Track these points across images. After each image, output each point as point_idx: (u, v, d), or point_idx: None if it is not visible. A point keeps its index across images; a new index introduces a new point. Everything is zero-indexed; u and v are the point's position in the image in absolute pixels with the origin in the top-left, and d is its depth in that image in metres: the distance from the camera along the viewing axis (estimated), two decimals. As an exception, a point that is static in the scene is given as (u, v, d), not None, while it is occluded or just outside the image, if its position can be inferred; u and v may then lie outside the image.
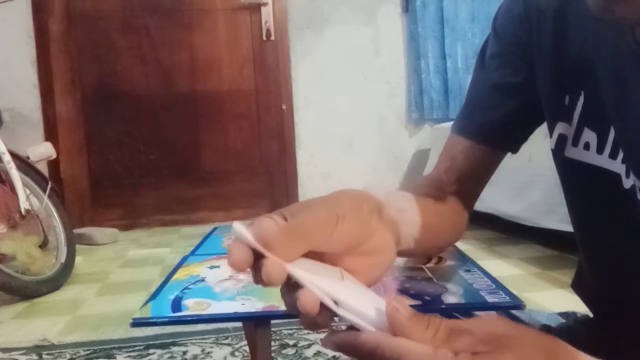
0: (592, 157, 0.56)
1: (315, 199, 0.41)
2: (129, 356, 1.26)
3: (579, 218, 0.65)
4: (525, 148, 0.69)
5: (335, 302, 0.35)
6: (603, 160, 0.55)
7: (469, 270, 0.64)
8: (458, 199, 0.66)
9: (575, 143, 0.58)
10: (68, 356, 1.28)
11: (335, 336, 0.35)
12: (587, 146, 0.56)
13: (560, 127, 0.60)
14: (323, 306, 0.35)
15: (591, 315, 0.69)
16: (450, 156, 0.68)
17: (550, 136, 0.62)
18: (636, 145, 0.50)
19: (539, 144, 1.12)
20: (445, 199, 0.65)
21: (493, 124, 0.65)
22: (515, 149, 0.68)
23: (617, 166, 0.53)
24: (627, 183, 0.52)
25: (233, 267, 0.34)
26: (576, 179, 0.61)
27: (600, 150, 0.55)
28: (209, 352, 1.26)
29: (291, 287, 0.36)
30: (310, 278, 0.35)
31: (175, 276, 0.65)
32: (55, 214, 2.04)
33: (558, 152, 0.61)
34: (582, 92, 0.56)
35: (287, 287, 0.37)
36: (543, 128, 0.66)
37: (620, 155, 0.52)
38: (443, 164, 0.68)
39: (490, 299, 0.54)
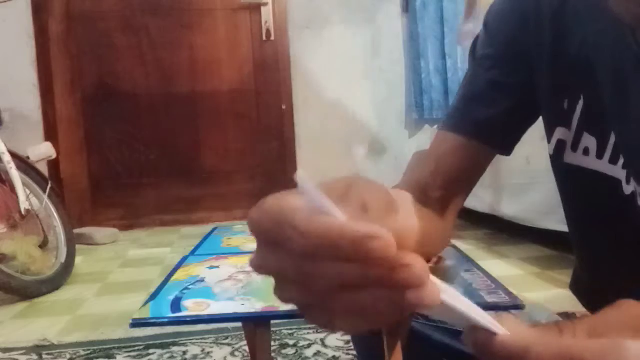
0: (591, 163, 0.55)
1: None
2: (129, 356, 1.26)
3: (577, 223, 0.64)
4: (522, 150, 0.67)
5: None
6: (603, 166, 0.54)
7: (469, 270, 0.64)
8: (444, 205, 0.62)
9: (574, 148, 0.57)
10: (68, 356, 1.28)
11: (477, 334, 0.29)
12: (586, 151, 0.55)
13: (559, 133, 0.59)
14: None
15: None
16: (437, 157, 0.64)
17: (549, 141, 0.61)
18: (637, 149, 0.49)
19: (536, 146, 1.11)
20: (431, 204, 0.61)
21: (490, 121, 0.62)
22: (508, 150, 0.65)
23: (617, 172, 0.53)
24: (628, 189, 0.52)
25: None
26: (575, 184, 0.60)
27: (600, 155, 0.54)
28: (209, 352, 1.26)
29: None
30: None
31: (175, 276, 0.65)
32: (55, 214, 2.04)
33: (557, 158, 0.60)
34: (582, 96, 0.55)
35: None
36: (540, 130, 0.65)
37: (621, 161, 0.52)
38: (428, 165, 0.64)
39: (489, 299, 0.54)
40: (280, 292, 0.29)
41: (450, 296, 0.28)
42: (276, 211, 0.27)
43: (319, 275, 0.26)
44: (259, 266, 0.29)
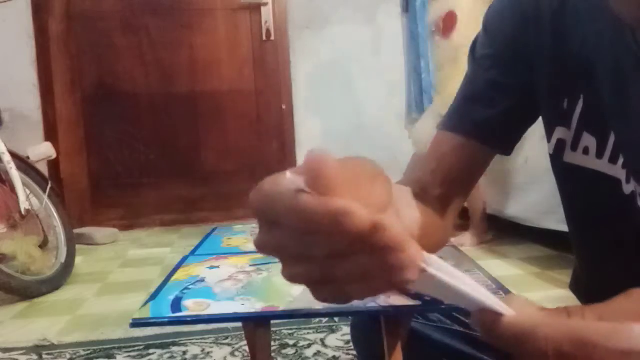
0: (591, 162, 0.55)
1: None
2: (129, 356, 1.26)
3: (577, 223, 0.64)
4: (520, 150, 0.67)
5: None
6: (603, 165, 0.54)
7: (469, 271, 0.64)
8: (443, 204, 0.62)
9: (574, 148, 0.57)
10: (68, 356, 1.28)
11: (483, 315, 0.29)
12: (586, 151, 0.55)
13: (559, 132, 0.59)
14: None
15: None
16: (437, 156, 0.64)
17: (549, 141, 0.61)
18: (637, 149, 0.49)
19: (534, 146, 1.11)
20: (431, 202, 0.61)
21: (490, 121, 0.62)
22: (508, 150, 0.66)
23: (617, 171, 0.52)
24: (627, 189, 0.52)
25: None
26: (575, 184, 0.60)
27: (599, 155, 0.54)
28: (209, 352, 1.26)
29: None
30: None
31: (175, 276, 0.65)
32: (55, 214, 2.04)
33: (556, 157, 0.60)
34: (581, 96, 0.55)
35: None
36: (539, 130, 0.65)
37: (621, 161, 0.52)
38: (429, 164, 0.64)
39: (490, 299, 0.54)
40: (286, 270, 0.30)
41: (453, 277, 0.29)
42: (272, 192, 0.28)
43: (312, 245, 0.27)
44: (261, 246, 0.30)
